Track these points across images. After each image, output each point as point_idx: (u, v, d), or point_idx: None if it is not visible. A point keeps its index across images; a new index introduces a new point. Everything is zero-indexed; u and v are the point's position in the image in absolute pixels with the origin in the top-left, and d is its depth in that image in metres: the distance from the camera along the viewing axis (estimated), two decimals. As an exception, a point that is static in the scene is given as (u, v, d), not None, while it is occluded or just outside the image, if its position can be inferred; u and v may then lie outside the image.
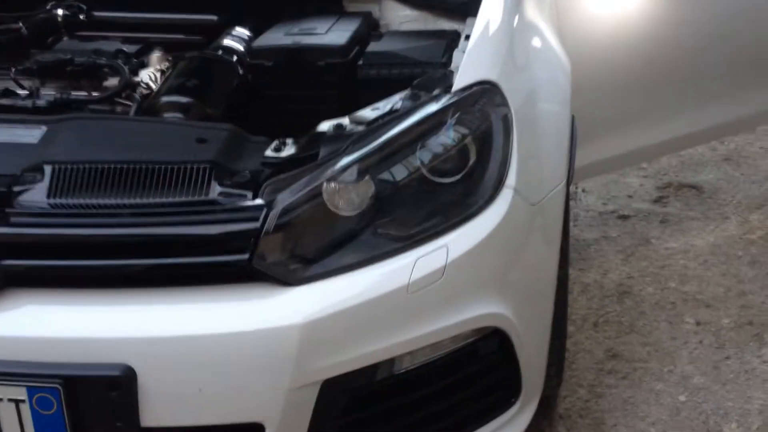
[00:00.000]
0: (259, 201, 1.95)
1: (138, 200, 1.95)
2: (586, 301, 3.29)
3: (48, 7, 2.80)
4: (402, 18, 2.68)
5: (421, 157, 2.05)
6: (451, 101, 2.10)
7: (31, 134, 2.10)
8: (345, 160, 1.99)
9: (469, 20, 2.48)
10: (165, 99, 2.27)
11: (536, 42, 2.56)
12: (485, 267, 2.07)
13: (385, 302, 1.95)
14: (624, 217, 3.92)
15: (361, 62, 2.40)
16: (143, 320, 1.90)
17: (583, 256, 3.60)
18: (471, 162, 2.08)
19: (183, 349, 1.89)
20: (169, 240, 1.93)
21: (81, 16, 2.77)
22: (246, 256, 1.92)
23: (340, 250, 1.99)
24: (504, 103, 2.16)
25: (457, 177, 2.07)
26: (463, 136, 2.08)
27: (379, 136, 2.04)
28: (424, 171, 2.04)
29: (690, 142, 3.65)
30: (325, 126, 2.12)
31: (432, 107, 2.09)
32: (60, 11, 2.80)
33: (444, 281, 2.00)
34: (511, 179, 2.12)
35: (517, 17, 2.48)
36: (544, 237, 2.25)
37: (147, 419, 1.91)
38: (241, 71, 2.48)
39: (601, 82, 3.07)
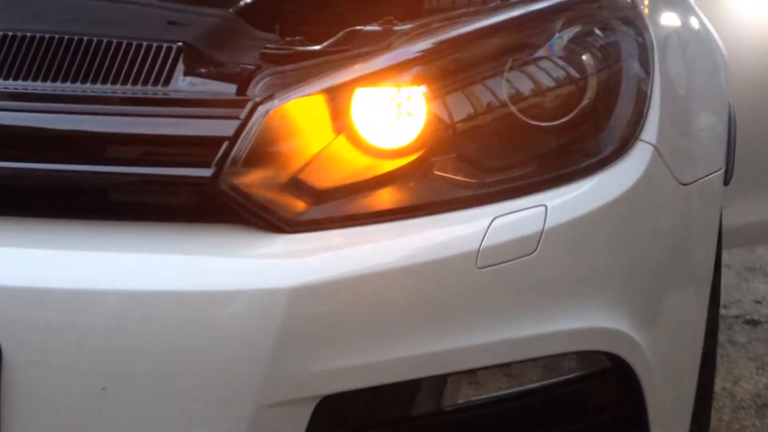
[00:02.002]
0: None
1: (52, 85, 1.24)
2: (714, 411, 2.42)
3: None
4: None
5: (509, 84, 1.30)
6: (561, 2, 1.37)
7: None
8: (389, 58, 1.27)
9: None
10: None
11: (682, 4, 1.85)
12: (605, 251, 1.26)
13: (436, 275, 1.15)
14: (753, 323, 3.11)
15: None
16: (19, 263, 1.12)
17: (704, 359, 2.77)
18: (585, 102, 1.33)
19: (82, 314, 1.09)
20: (83, 138, 1.17)
21: None
22: (209, 171, 1.16)
23: (368, 191, 1.23)
24: (643, 24, 1.43)
25: (564, 120, 1.32)
26: (577, 61, 1.33)
27: (446, 35, 1.32)
28: (512, 108, 1.30)
29: None
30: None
31: (531, 8, 1.37)
32: None
33: (537, 259, 1.20)
34: (650, 134, 1.34)
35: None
36: (699, 234, 1.44)
37: (13, 436, 1.11)
38: None
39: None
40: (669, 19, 1.68)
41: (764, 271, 3.67)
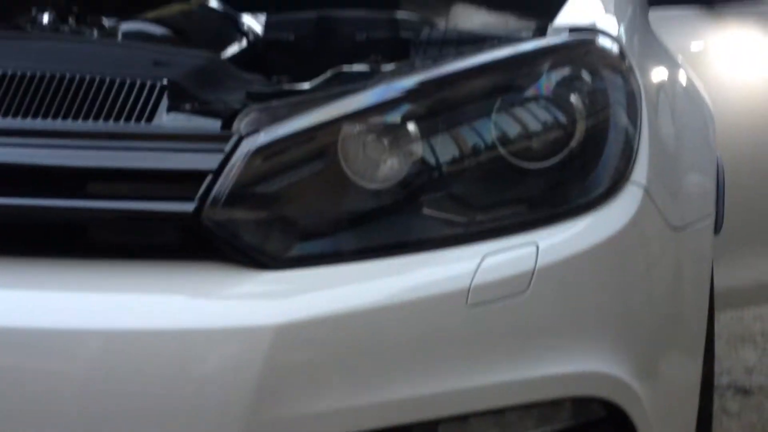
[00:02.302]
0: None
1: (22, 121, 1.21)
2: (710, 480, 2.36)
3: (33, 14, 2.16)
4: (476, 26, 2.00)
5: (498, 124, 1.29)
6: (549, 44, 1.36)
7: None
8: (377, 95, 1.25)
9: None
10: (127, 26, 1.55)
11: (664, 56, 1.85)
12: (598, 292, 1.22)
13: (426, 314, 1.11)
14: (744, 392, 3.05)
15: (418, 39, 1.70)
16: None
17: (697, 428, 2.70)
18: (573, 144, 1.31)
19: (57, 355, 1.04)
20: (61, 173, 1.14)
21: (69, 20, 2.13)
22: (191, 206, 1.12)
23: (356, 227, 1.19)
24: (630, 71, 1.42)
25: (552, 162, 1.30)
26: (565, 104, 1.32)
27: (434, 72, 1.30)
28: (501, 151, 1.28)
29: None
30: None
31: (517, 49, 1.35)
32: (45, 18, 2.16)
33: (530, 298, 1.17)
34: (640, 175, 1.32)
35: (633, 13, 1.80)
36: (691, 279, 1.41)
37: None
38: (248, 39, 1.76)
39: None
40: (657, 72, 1.68)
41: (753, 339, 3.63)
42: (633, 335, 1.27)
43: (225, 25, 1.70)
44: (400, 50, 1.66)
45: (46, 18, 1.93)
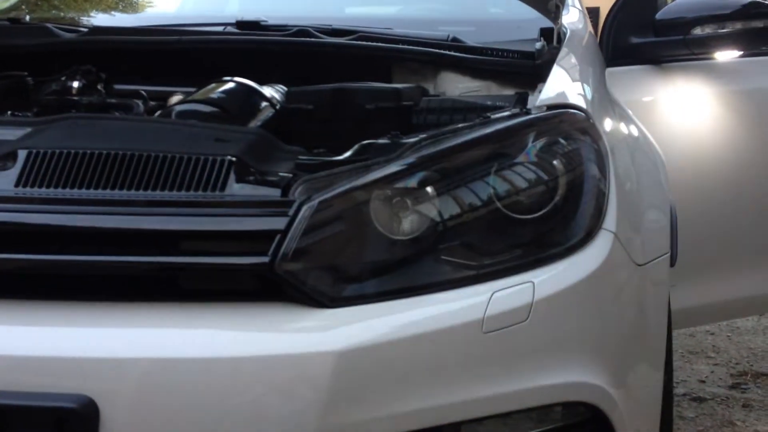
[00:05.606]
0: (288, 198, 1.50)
1: (126, 192, 1.50)
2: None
3: (63, 77, 2.42)
4: (462, 90, 2.32)
5: (495, 186, 1.60)
6: (533, 118, 1.68)
7: (12, 133, 1.69)
8: (403, 162, 1.55)
9: (541, 86, 2.12)
10: (180, 108, 1.85)
11: (621, 113, 2.18)
12: (580, 318, 1.54)
13: (452, 338, 1.42)
14: (699, 400, 3.37)
15: (418, 107, 2.01)
16: (113, 338, 1.38)
17: (656, 433, 3.00)
18: (557, 199, 1.63)
19: (164, 378, 1.34)
20: (153, 235, 1.44)
21: (99, 86, 2.39)
22: (266, 258, 1.42)
23: (392, 272, 1.50)
24: (597, 134, 1.74)
25: (540, 213, 1.62)
26: (548, 166, 1.64)
27: (444, 145, 1.62)
28: (498, 204, 1.59)
29: None
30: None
31: (508, 123, 1.67)
32: (75, 83, 2.42)
33: (529, 325, 1.48)
34: (610, 223, 1.65)
35: (594, 77, 2.13)
36: (652, 306, 1.73)
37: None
38: (274, 108, 2.07)
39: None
40: (615, 128, 2.02)
41: (705, 353, 3.97)
42: (608, 352, 1.59)
43: (255, 98, 2.01)
44: (404, 116, 1.98)
45: (76, 84, 2.23)
